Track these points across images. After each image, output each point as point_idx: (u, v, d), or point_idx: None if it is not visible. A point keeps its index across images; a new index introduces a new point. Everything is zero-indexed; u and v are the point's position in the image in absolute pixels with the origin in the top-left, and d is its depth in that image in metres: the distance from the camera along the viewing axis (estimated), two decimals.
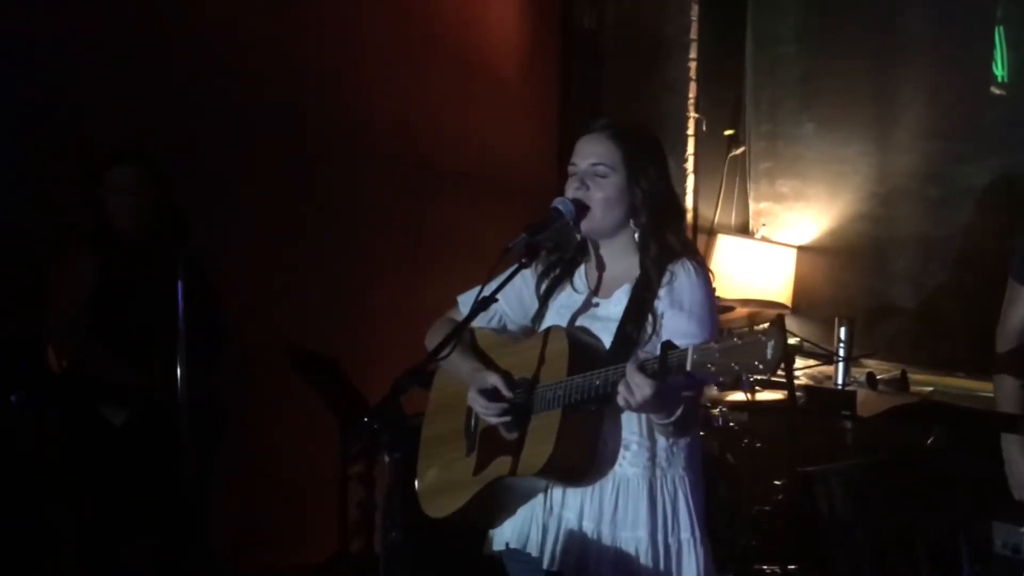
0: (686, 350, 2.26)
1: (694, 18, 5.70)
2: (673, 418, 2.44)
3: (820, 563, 4.12)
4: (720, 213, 5.79)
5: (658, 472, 2.58)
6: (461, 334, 2.63)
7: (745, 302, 4.78)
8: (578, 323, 2.64)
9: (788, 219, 5.57)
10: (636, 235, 2.61)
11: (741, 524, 4.17)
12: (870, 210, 5.26)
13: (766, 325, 2.20)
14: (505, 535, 2.72)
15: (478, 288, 2.71)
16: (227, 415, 4.11)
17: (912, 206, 5.11)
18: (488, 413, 2.62)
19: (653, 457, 2.58)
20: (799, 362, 4.63)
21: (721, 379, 2.24)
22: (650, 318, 2.55)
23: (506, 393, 2.60)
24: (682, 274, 2.56)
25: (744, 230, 5.76)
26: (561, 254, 2.74)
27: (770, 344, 2.16)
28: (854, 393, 4.51)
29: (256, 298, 4.65)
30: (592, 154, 2.61)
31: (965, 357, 4.63)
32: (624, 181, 2.59)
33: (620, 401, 2.36)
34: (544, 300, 2.75)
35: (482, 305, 2.61)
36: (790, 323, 4.81)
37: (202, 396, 3.75)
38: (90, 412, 3.87)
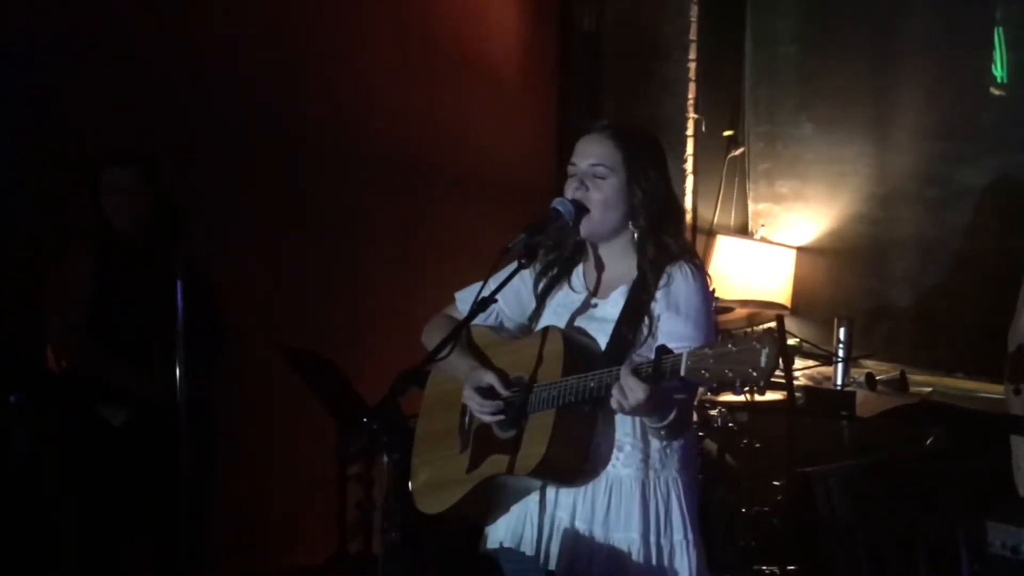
0: (680, 355, 2.27)
1: (693, 19, 5.69)
2: (666, 422, 2.45)
3: (819, 564, 4.11)
4: (719, 214, 5.78)
5: (651, 474, 2.58)
6: (459, 335, 2.62)
7: (744, 303, 4.77)
8: (575, 323, 2.64)
9: (787, 220, 5.57)
10: (635, 236, 2.61)
11: (740, 525, 4.18)
12: (869, 211, 5.26)
13: (761, 332, 2.20)
14: (499, 534, 2.72)
15: (476, 285, 2.71)
16: (224, 415, 4.11)
17: (911, 207, 5.11)
18: (482, 411, 2.62)
19: (646, 459, 2.57)
20: (798, 363, 4.63)
21: (715, 385, 2.25)
22: (646, 320, 2.54)
23: (501, 392, 2.60)
24: (679, 277, 2.56)
25: (743, 231, 5.75)
26: (559, 253, 2.73)
27: (764, 351, 2.16)
28: (853, 394, 4.52)
29: (255, 298, 4.65)
30: (592, 155, 2.61)
31: (964, 358, 4.63)
32: (623, 182, 2.59)
33: (614, 404, 2.36)
34: (542, 299, 2.74)
35: (481, 306, 2.61)
36: (789, 324, 4.79)
37: (201, 396, 3.75)
38: (89, 412, 3.87)
